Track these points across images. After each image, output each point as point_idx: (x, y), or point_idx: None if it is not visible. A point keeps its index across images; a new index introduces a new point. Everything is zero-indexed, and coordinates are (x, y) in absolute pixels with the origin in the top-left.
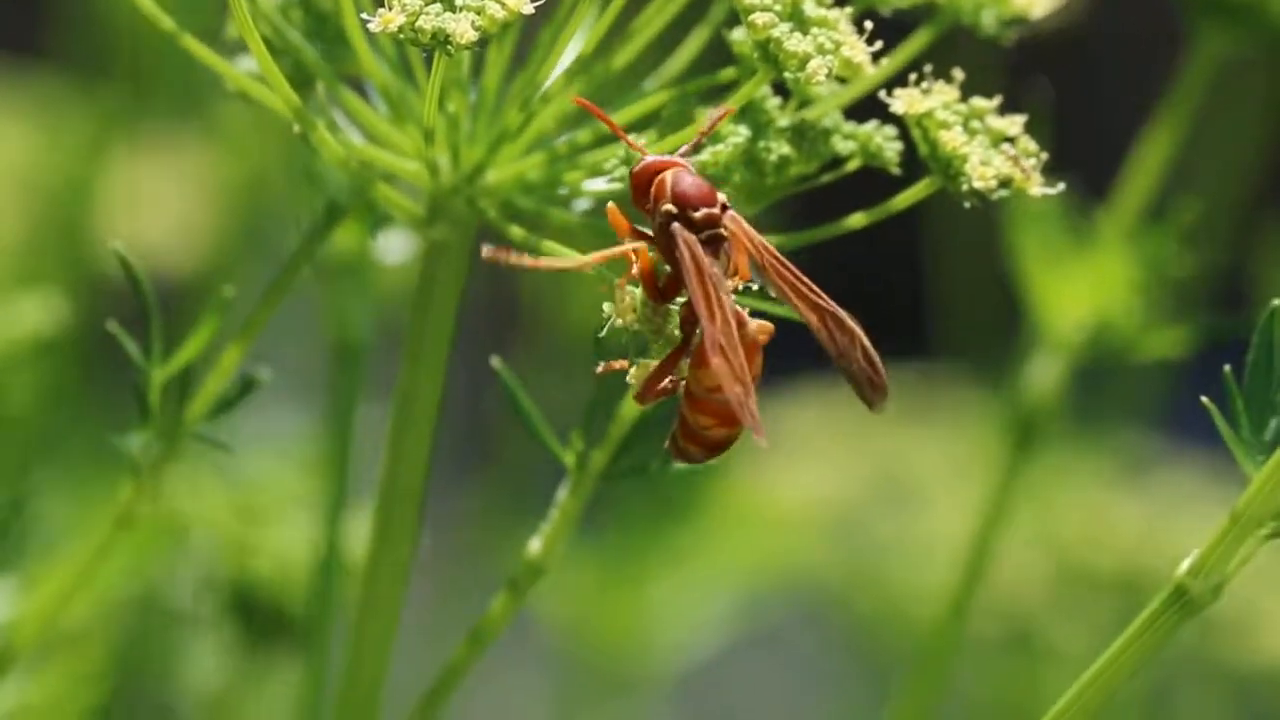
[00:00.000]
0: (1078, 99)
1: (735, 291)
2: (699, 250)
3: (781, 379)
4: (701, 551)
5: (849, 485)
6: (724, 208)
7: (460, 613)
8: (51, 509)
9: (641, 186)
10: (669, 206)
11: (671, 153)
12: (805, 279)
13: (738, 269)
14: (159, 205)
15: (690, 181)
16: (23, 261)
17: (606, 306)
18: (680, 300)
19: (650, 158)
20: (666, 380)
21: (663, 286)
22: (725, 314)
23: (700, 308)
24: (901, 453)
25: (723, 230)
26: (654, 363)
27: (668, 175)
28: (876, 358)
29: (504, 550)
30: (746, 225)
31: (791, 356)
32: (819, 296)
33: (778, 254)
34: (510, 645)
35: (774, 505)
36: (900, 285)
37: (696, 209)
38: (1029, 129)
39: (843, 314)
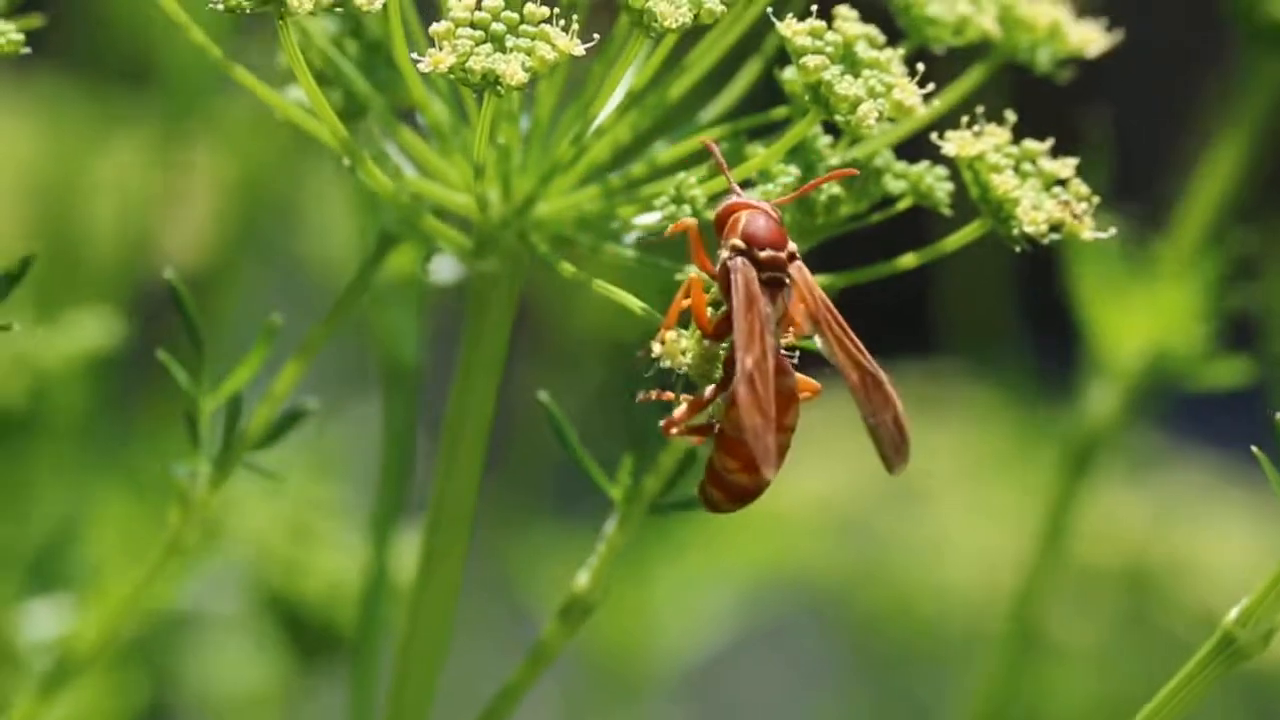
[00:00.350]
0: (1135, 127)
1: (788, 344)
2: (755, 287)
3: None
4: (706, 549)
5: (853, 483)
6: (792, 256)
7: (468, 614)
8: (93, 523)
9: (721, 223)
10: (737, 241)
11: (724, 194)
12: (854, 337)
13: (793, 319)
14: (161, 204)
15: (764, 223)
16: (37, 265)
17: (655, 347)
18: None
19: (737, 198)
20: (701, 417)
21: (715, 323)
22: (764, 351)
23: (739, 339)
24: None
25: (784, 276)
26: (691, 398)
27: (744, 214)
28: (906, 425)
29: (514, 549)
30: (810, 277)
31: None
32: (863, 355)
33: (834, 310)
34: (515, 643)
35: (779, 503)
36: (906, 283)
37: (764, 249)
38: (1084, 166)
39: (882, 375)
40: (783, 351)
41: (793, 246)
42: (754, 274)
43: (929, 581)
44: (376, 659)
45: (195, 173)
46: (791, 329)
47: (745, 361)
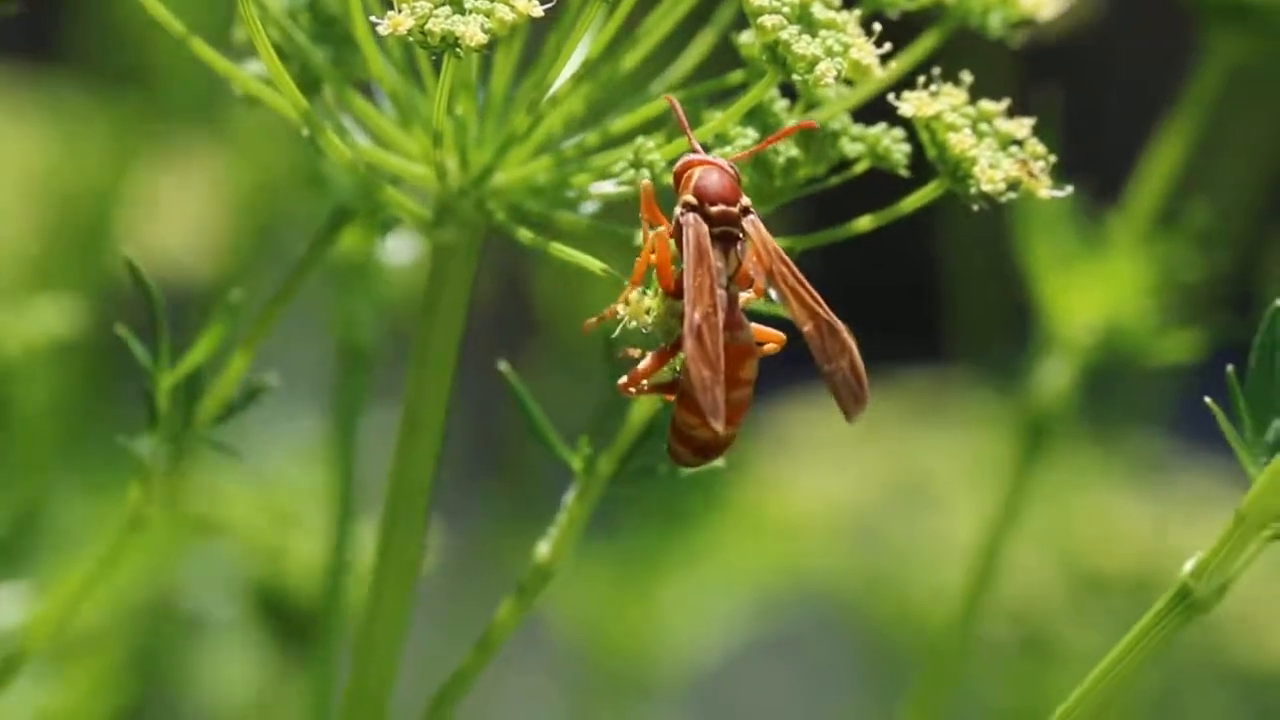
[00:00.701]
0: (1089, 102)
1: (746, 299)
2: (706, 241)
3: (793, 384)
4: (714, 555)
5: (862, 489)
6: (745, 210)
7: (472, 619)
8: (67, 513)
9: (678, 182)
10: (689, 198)
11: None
12: (809, 287)
13: (747, 273)
14: (172, 210)
15: (715, 179)
16: (39, 266)
17: (620, 308)
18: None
19: (692, 155)
20: (661, 376)
21: (675, 280)
22: (713, 305)
23: (688, 294)
24: (915, 456)
25: (737, 230)
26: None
27: (697, 170)
28: (863, 370)
29: (516, 556)
30: (764, 230)
31: (803, 362)
32: (818, 304)
33: (788, 260)
34: (523, 649)
35: (787, 509)
36: (912, 289)
37: (715, 204)
38: (1038, 132)
39: (838, 324)
40: (738, 306)
41: (746, 201)
42: (705, 229)
43: (936, 587)
44: (336, 642)
45: (205, 177)
46: (749, 285)
47: (693, 316)
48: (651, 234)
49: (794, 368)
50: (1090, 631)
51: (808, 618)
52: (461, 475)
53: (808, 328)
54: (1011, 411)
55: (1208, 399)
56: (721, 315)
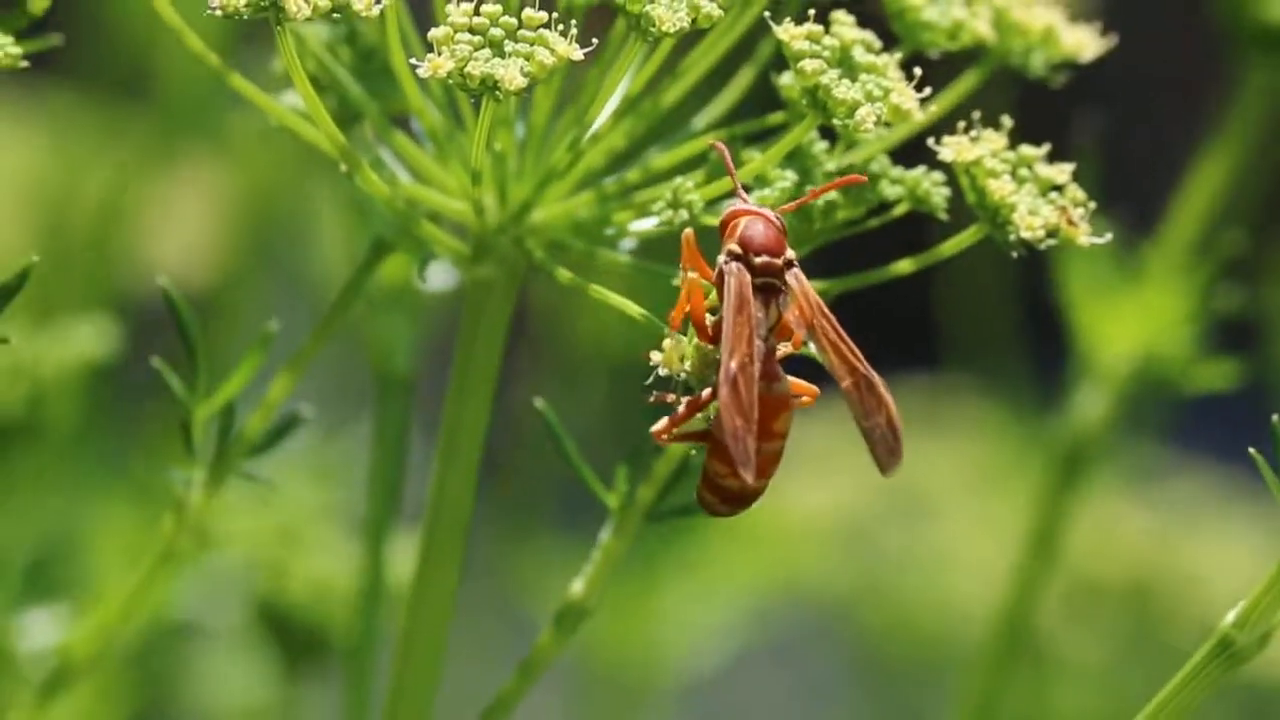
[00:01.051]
0: (1127, 133)
1: (784, 353)
2: (748, 291)
3: None
4: (712, 564)
5: (858, 498)
6: (789, 263)
7: (470, 630)
8: (80, 530)
9: (724, 230)
10: (733, 246)
11: (724, 197)
12: (849, 341)
13: (788, 326)
14: (171, 220)
15: (761, 229)
16: (43, 279)
17: (655, 355)
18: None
19: (739, 204)
20: (692, 424)
21: (713, 327)
22: (750, 355)
23: (726, 342)
24: (912, 466)
25: (779, 282)
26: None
27: (743, 220)
28: (899, 426)
29: (513, 567)
30: (806, 283)
31: (795, 372)
32: (858, 360)
33: (830, 315)
34: (519, 656)
35: (784, 518)
36: (909, 298)
37: (759, 254)
38: (1078, 171)
39: (876, 379)
40: (776, 358)
41: (790, 254)
42: (748, 279)
43: (934, 596)
44: (371, 665)
45: (203, 187)
46: (788, 337)
47: (729, 364)
48: (689, 279)
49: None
50: (1091, 641)
51: (803, 625)
52: None
53: (846, 383)
54: (1020, 423)
55: (1253, 450)
56: (758, 366)
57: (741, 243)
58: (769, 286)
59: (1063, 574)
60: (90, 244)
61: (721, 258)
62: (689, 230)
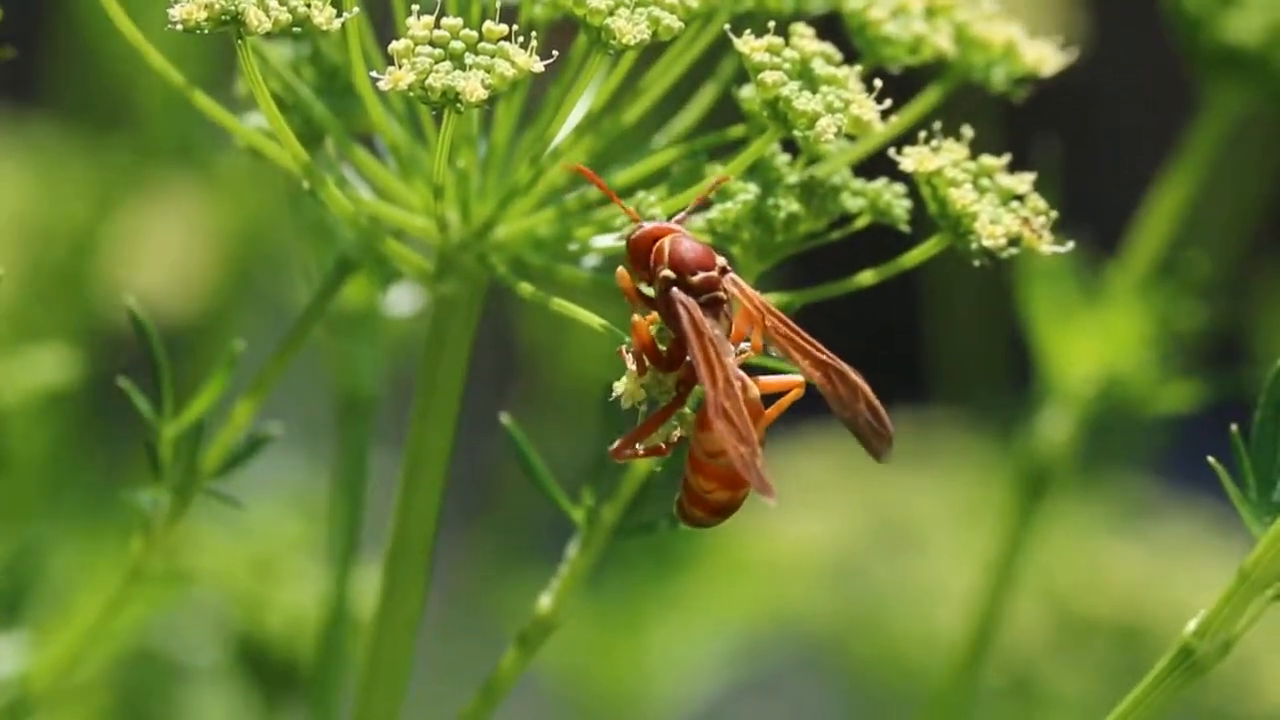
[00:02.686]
0: (1089, 153)
1: (741, 354)
2: (699, 314)
3: (780, 427)
4: (700, 597)
5: (847, 531)
6: (723, 270)
7: (459, 658)
8: (58, 559)
9: (639, 254)
10: (667, 272)
11: (677, 212)
12: (806, 335)
13: (738, 330)
14: (154, 252)
15: (688, 246)
16: (23, 308)
17: (616, 386)
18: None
19: (646, 225)
20: (657, 440)
21: (667, 353)
22: (728, 376)
23: (702, 372)
24: (900, 499)
25: (721, 293)
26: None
27: (665, 241)
28: (880, 407)
29: (503, 596)
30: (747, 286)
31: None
32: (821, 352)
33: (779, 313)
34: (511, 691)
35: (772, 551)
36: (898, 330)
37: (695, 273)
38: (1038, 186)
39: (845, 367)
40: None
41: (722, 260)
42: (693, 301)
43: (922, 628)
44: (335, 693)
45: (187, 217)
46: (743, 343)
47: (716, 397)
48: (633, 319)
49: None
50: (1078, 676)
51: (792, 659)
52: (450, 517)
53: (818, 378)
54: (1004, 458)
55: (1211, 459)
56: (739, 385)
57: (674, 265)
58: (713, 301)
59: (1052, 609)
60: (72, 274)
61: (658, 285)
62: (621, 269)
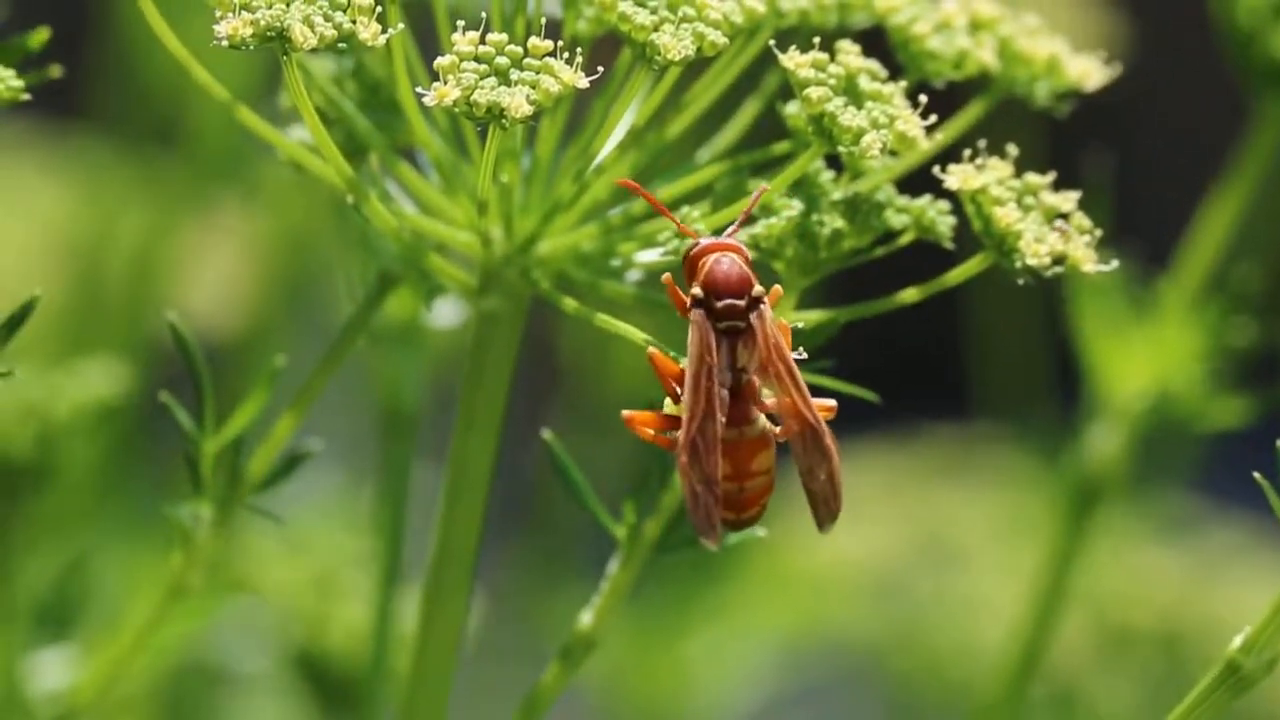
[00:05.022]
0: (1139, 166)
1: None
2: (710, 339)
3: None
4: (741, 609)
5: (889, 545)
6: (755, 302)
7: (502, 674)
8: (106, 573)
9: (690, 267)
10: (697, 290)
11: (724, 228)
12: (804, 389)
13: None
14: (203, 269)
15: (724, 269)
16: (70, 325)
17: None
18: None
19: (706, 240)
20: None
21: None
22: (709, 412)
23: (686, 401)
24: (942, 514)
25: (741, 323)
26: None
27: (709, 259)
28: (840, 482)
29: (544, 612)
30: (769, 324)
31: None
32: (808, 409)
33: (788, 357)
34: (551, 707)
35: (815, 564)
36: (941, 346)
37: (721, 298)
38: (1086, 201)
39: (823, 430)
40: (750, 399)
41: (758, 290)
42: (709, 326)
43: (963, 642)
44: (380, 707)
45: (235, 234)
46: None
47: (689, 431)
48: (649, 352)
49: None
50: (1120, 688)
51: (834, 672)
52: (491, 531)
53: (792, 429)
54: (1048, 473)
55: (1257, 474)
56: (721, 421)
57: (705, 286)
58: (732, 330)
59: (1094, 620)
60: (122, 292)
61: (689, 302)
62: (668, 276)
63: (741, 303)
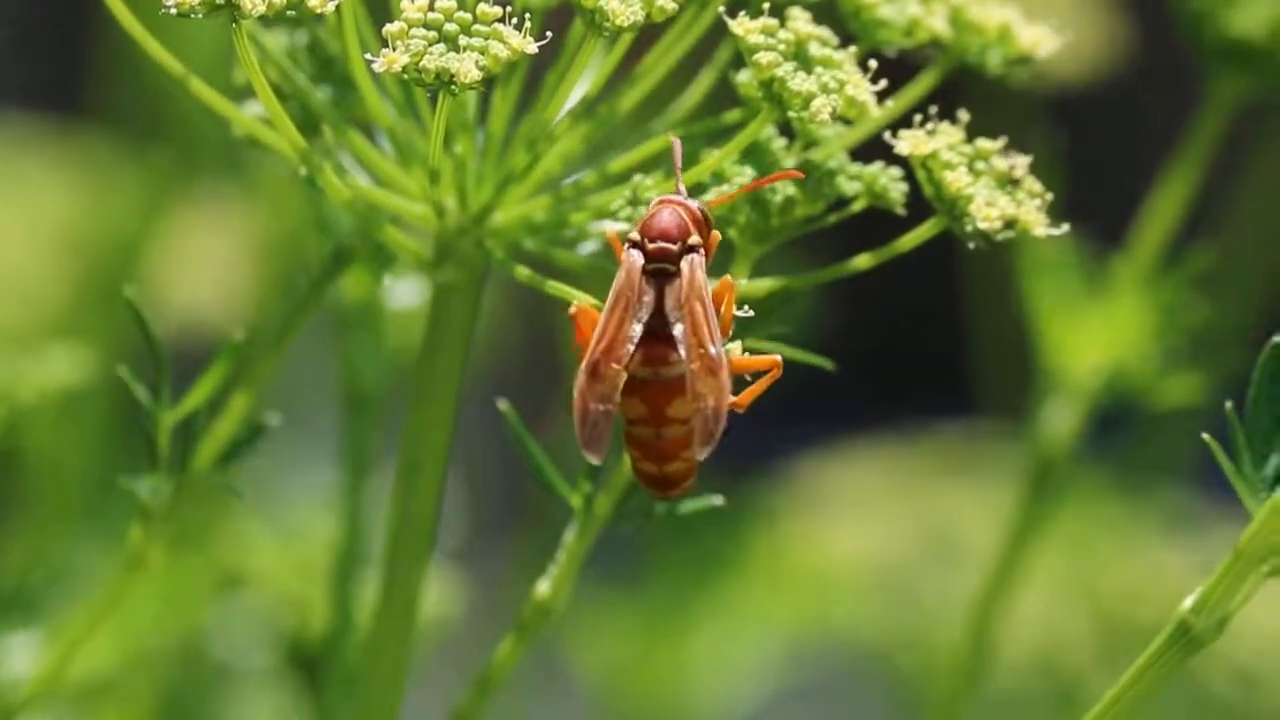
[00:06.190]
0: (1093, 146)
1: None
2: (634, 276)
3: (823, 438)
4: (745, 605)
5: (893, 541)
6: (688, 249)
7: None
8: (85, 562)
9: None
10: (634, 234)
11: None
12: (714, 329)
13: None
14: (200, 262)
15: (666, 215)
16: (67, 317)
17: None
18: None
19: (670, 195)
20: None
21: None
22: (616, 341)
23: (597, 328)
24: (947, 511)
25: (671, 267)
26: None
27: (655, 208)
28: (723, 416)
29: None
30: (699, 271)
31: (833, 419)
32: (712, 343)
33: (706, 302)
34: (553, 698)
35: (817, 560)
36: (942, 342)
37: (654, 240)
38: (1037, 173)
39: (721, 365)
40: (670, 342)
41: (695, 239)
42: (638, 264)
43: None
44: (339, 692)
45: (235, 231)
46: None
47: (595, 350)
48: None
49: (825, 425)
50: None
51: (837, 668)
52: (493, 523)
53: (693, 365)
54: (1017, 454)
55: (1206, 435)
56: (629, 349)
57: (642, 228)
58: (660, 272)
59: (1096, 616)
60: (117, 283)
61: (626, 243)
62: (612, 233)
63: (674, 247)
